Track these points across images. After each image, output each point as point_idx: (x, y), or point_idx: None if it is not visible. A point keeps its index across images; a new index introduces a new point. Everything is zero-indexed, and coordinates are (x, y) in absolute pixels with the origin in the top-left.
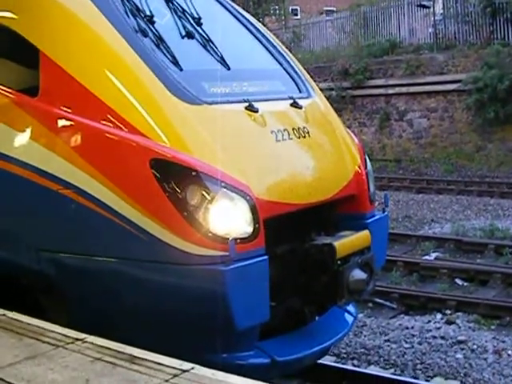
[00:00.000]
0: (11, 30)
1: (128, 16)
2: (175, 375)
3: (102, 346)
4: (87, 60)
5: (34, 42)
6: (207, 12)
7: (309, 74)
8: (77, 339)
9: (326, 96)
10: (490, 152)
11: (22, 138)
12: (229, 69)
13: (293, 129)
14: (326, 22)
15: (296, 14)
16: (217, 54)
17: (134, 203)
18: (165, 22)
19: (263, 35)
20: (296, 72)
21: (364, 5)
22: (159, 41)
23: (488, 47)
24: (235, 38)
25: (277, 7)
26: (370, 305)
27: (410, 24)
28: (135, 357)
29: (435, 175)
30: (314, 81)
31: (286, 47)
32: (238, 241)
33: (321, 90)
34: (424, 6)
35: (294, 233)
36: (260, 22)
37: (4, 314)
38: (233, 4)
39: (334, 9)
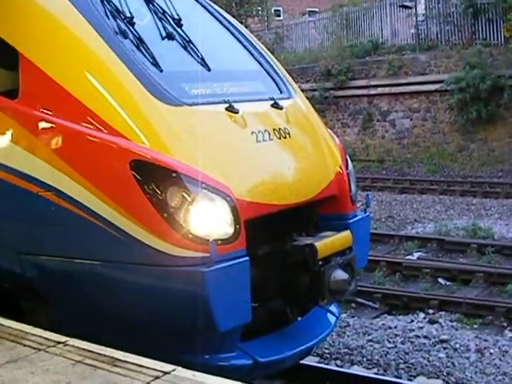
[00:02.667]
0: None
1: (108, 17)
2: (156, 377)
3: (83, 349)
4: (67, 62)
5: (13, 44)
6: (188, 13)
7: (291, 74)
8: (58, 342)
9: (308, 97)
10: (472, 152)
11: (2, 141)
12: (209, 70)
13: (273, 129)
14: (308, 23)
15: (279, 15)
16: (197, 55)
17: (114, 205)
18: (145, 23)
19: (244, 36)
20: (277, 73)
21: (346, 5)
22: (139, 42)
23: (470, 47)
24: (216, 39)
25: (259, 8)
26: (353, 305)
27: (392, 25)
28: (116, 359)
29: (418, 175)
30: (297, 82)
31: (269, 48)
32: (219, 242)
33: (303, 90)
34: (406, 7)
35: (275, 233)
36: (242, 23)
37: None
38: (213, 5)
39: (317, 9)
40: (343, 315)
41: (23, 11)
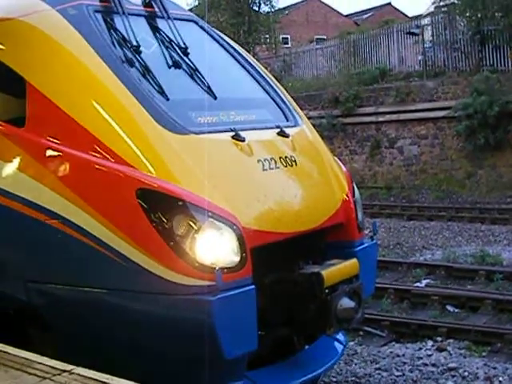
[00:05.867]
0: None
1: (115, 46)
2: None
3: (89, 378)
4: (74, 90)
5: (20, 73)
6: (194, 42)
7: (299, 102)
8: (64, 371)
9: (316, 124)
10: (480, 178)
11: (9, 169)
12: (215, 98)
13: (280, 158)
14: (316, 50)
15: (286, 43)
16: (203, 83)
17: (120, 233)
18: (151, 51)
19: (250, 64)
20: (283, 100)
21: (354, 33)
22: (146, 71)
23: (477, 74)
24: (222, 68)
25: (267, 36)
26: (361, 333)
27: (399, 51)
28: None
29: (426, 202)
30: (305, 109)
31: (277, 76)
32: (225, 270)
33: (311, 118)
34: (413, 34)
35: (281, 261)
36: (250, 50)
37: None
38: (220, 33)
39: (325, 37)
40: (351, 343)
41: (30, 40)
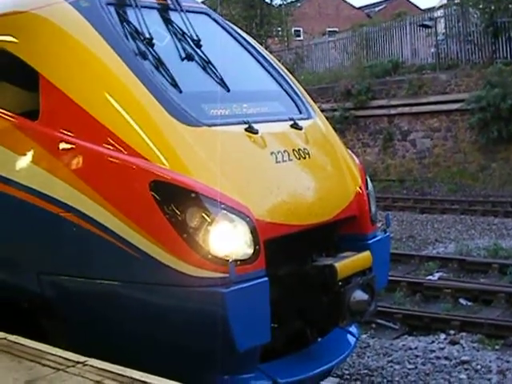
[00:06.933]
0: (11, 53)
1: (127, 39)
2: None
3: (102, 369)
4: (87, 83)
5: (33, 66)
6: (207, 34)
7: (312, 94)
8: (77, 362)
9: (328, 117)
10: (493, 171)
11: (23, 162)
12: (228, 90)
13: (293, 150)
14: (328, 43)
15: (299, 35)
16: (216, 75)
17: (134, 225)
18: (164, 44)
19: (263, 56)
20: (296, 93)
21: (366, 25)
22: (159, 63)
23: (490, 66)
24: (235, 60)
25: (279, 28)
26: (374, 325)
27: (412, 44)
28: (136, 379)
29: (439, 195)
30: (317, 102)
31: (289, 68)
32: (239, 262)
33: (324, 110)
34: (426, 26)
35: (294, 254)
36: (263, 43)
37: (5, 338)
38: (232, 26)
39: (337, 29)
40: (363, 336)
41: (43, 33)
